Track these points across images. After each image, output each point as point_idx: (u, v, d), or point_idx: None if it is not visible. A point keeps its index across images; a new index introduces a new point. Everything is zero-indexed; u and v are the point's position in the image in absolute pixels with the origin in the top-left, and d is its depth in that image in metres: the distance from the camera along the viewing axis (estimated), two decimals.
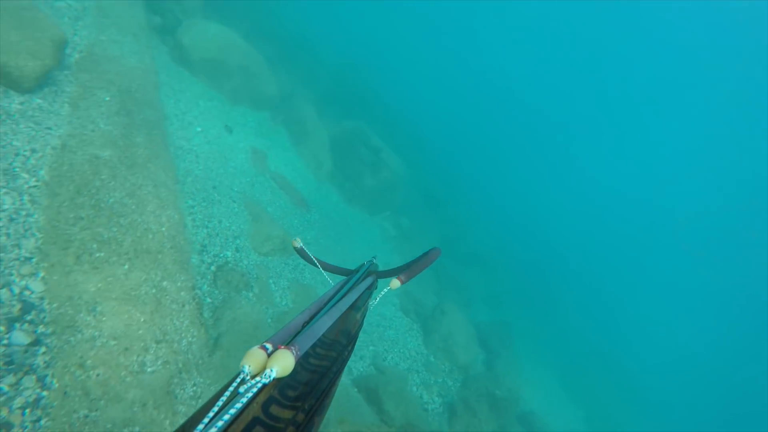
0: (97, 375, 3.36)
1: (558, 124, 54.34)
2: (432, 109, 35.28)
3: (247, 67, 14.24)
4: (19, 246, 4.04)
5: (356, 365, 9.69)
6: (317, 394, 1.05)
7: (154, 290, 4.26)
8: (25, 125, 5.33)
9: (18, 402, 3.06)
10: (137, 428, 3.19)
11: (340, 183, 16.38)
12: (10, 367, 3.19)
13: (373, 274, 2.33)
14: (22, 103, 5.57)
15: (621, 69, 49.55)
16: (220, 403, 0.81)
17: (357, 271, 2.29)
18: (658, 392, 24.26)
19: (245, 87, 14.25)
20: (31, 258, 4.01)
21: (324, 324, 1.23)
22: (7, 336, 3.35)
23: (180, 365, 3.86)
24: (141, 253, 4.48)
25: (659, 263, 45.11)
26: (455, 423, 9.90)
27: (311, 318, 1.32)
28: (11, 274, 3.76)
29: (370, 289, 2.14)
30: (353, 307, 1.71)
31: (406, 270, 2.16)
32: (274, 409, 0.88)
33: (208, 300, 7.53)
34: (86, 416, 3.11)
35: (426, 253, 2.40)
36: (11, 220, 4.21)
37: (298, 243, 2.68)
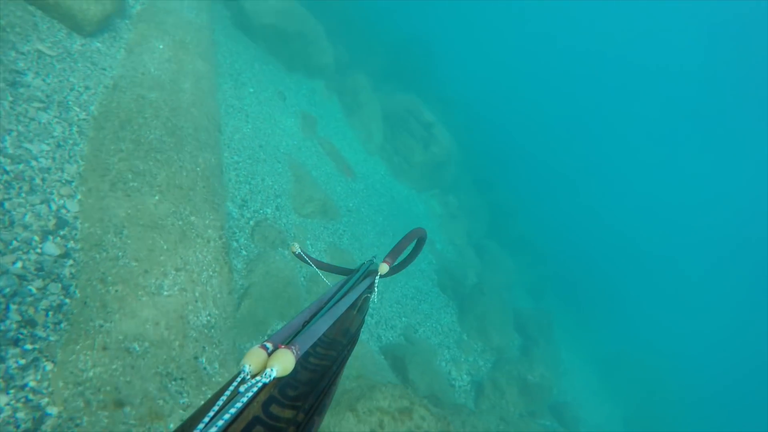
0: (116, 291, 3.52)
1: (622, 116, 51.48)
2: (490, 91, 34.24)
3: (305, 34, 14.33)
4: (62, 170, 4.29)
5: (386, 334, 9.71)
6: (317, 394, 1.06)
7: (180, 222, 4.40)
8: (83, 64, 5.64)
9: (43, 304, 3.26)
10: (146, 343, 3.32)
11: (389, 156, 16.30)
12: (40, 273, 3.41)
13: (373, 274, 2.26)
14: (82, 45, 5.89)
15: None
16: (220, 402, 0.81)
17: (357, 270, 2.27)
18: (711, 401, 22.64)
19: (301, 54, 14.37)
20: (72, 182, 4.25)
21: (324, 323, 1.24)
22: (40, 245, 3.57)
23: (197, 294, 3.98)
24: (173, 188, 4.64)
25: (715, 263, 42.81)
26: (481, 402, 9.74)
27: (311, 317, 1.33)
28: (51, 193, 4.00)
29: (370, 289, 2.12)
30: (353, 306, 1.72)
31: (390, 252, 2.10)
32: (275, 409, 0.89)
33: (244, 252, 7.77)
34: (101, 326, 3.26)
35: (408, 233, 2.35)
36: (58, 146, 4.48)
37: (297, 249, 2.63)
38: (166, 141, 5.12)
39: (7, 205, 3.63)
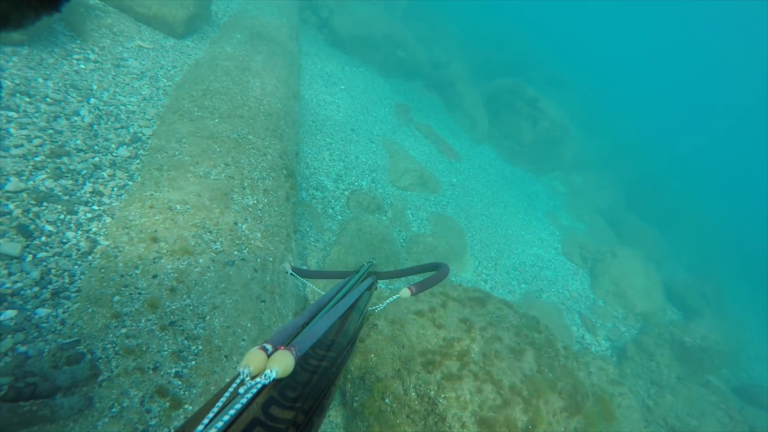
0: (169, 174, 4.00)
1: None
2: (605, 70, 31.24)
3: (394, 38, 15.02)
4: (144, 113, 5.12)
5: (506, 298, 9.07)
6: (317, 395, 1.06)
7: (236, 136, 4.85)
8: (173, 54, 6.77)
9: (111, 184, 3.88)
10: (188, 206, 3.68)
11: (497, 142, 15.74)
12: (113, 166, 4.06)
13: (373, 275, 2.36)
14: (174, 42, 7.09)
15: None
16: (219, 403, 0.82)
17: (356, 272, 2.34)
18: None
19: (393, 56, 15.00)
20: (151, 119, 5.05)
21: (323, 325, 1.26)
22: (116, 150, 4.27)
23: (245, 184, 4.30)
24: (233, 116, 5.17)
25: None
26: (625, 366, 8.36)
27: (311, 319, 1.35)
28: (132, 124, 4.80)
29: (370, 290, 2.17)
30: (353, 307, 1.73)
31: (418, 283, 2.09)
32: (274, 410, 0.89)
33: (339, 217, 8.13)
34: (152, 194, 3.75)
35: (434, 268, 2.42)
36: (144, 100, 5.39)
37: (288, 267, 2.77)
38: (231, 87, 5.77)
39: (95, 127, 4.46)
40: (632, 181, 18.34)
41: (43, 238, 3.15)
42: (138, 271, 3.05)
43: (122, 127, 4.68)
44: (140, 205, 3.66)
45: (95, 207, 3.63)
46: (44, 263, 3.00)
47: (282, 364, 0.91)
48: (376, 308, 2.21)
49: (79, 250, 3.19)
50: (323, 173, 8.72)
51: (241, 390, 0.85)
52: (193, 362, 2.74)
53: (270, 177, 4.75)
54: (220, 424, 0.72)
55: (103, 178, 3.93)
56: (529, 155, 15.53)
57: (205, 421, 0.74)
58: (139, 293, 2.92)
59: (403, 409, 3.46)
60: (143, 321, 2.77)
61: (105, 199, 3.73)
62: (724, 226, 19.98)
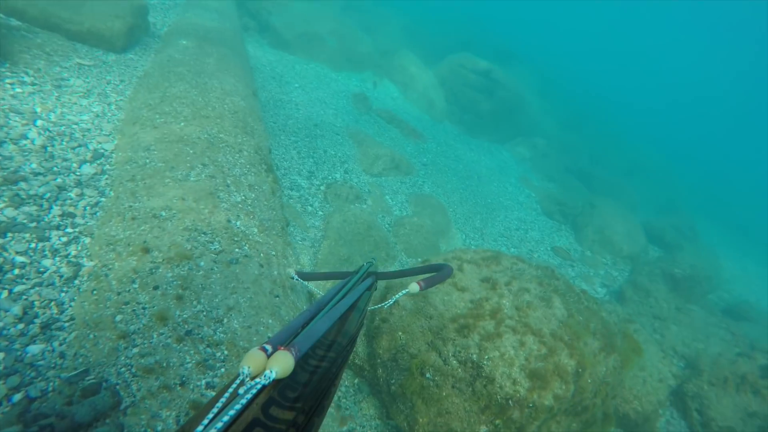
0: (144, 183, 3.64)
1: None
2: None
3: (339, 31, 14.75)
4: (101, 129, 4.69)
5: None
6: (317, 395, 1.04)
7: (206, 136, 4.50)
8: (118, 68, 6.29)
9: (81, 203, 3.49)
10: (174, 210, 3.34)
11: (458, 118, 15.72)
12: (78, 185, 3.66)
13: (373, 275, 2.37)
14: (117, 57, 6.59)
15: None
16: (219, 404, 0.81)
17: (356, 272, 2.34)
18: None
19: (341, 50, 14.72)
20: (109, 134, 4.63)
21: (323, 325, 1.24)
22: (78, 169, 3.86)
23: (228, 181, 3.97)
24: (199, 117, 4.81)
25: None
26: (625, 308, 8.43)
27: (311, 319, 1.34)
28: (90, 141, 4.38)
29: (370, 290, 2.16)
30: (353, 308, 1.72)
31: (425, 278, 2.12)
32: (274, 411, 0.87)
33: (320, 213, 7.84)
34: (131, 206, 3.38)
35: (437, 269, 2.42)
36: (97, 116, 4.95)
37: (293, 273, 2.70)
38: (190, 91, 5.39)
39: (49, 148, 4.02)
40: (592, 138, 18.75)
41: (16, 271, 2.76)
42: (136, 286, 2.70)
43: (80, 146, 4.24)
44: (120, 219, 3.29)
45: (69, 229, 3.23)
46: (24, 297, 2.62)
47: (282, 364, 0.90)
48: (385, 304, 2.24)
49: (61, 276, 2.81)
50: (295, 172, 8.40)
51: (241, 390, 0.84)
52: (222, 369, 2.44)
53: (251, 173, 4.43)
54: (219, 424, 0.71)
55: (71, 198, 3.52)
56: (490, 126, 15.59)
57: (205, 421, 0.73)
58: (143, 308, 2.58)
59: (447, 380, 3.26)
60: (155, 336, 2.44)
61: (78, 220, 3.33)
62: (683, 171, 20.83)
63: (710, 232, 16.49)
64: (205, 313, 2.66)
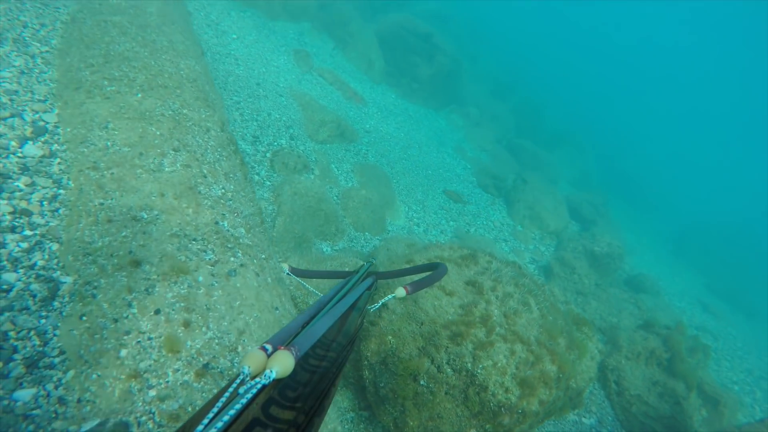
0: (111, 173, 3.16)
1: None
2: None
3: None
4: (32, 91, 3.95)
5: (438, 238, 9.28)
6: (317, 395, 1.02)
7: (170, 112, 3.99)
8: (31, 5, 5.25)
9: (35, 197, 2.96)
10: (155, 211, 2.95)
11: (396, 81, 15.46)
12: (25, 172, 3.09)
13: (373, 275, 2.32)
14: None
15: None
16: (219, 404, 0.81)
17: (356, 272, 2.32)
18: None
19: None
20: (45, 100, 3.91)
21: (323, 325, 1.24)
22: (20, 149, 3.24)
23: (204, 171, 3.59)
24: (156, 87, 4.22)
25: None
26: (553, 283, 9.20)
27: (311, 319, 1.33)
28: (23, 110, 3.67)
29: (369, 290, 2.12)
30: (353, 307, 1.69)
31: (413, 282, 2.15)
32: (274, 410, 0.86)
33: (268, 183, 7.45)
34: (101, 203, 2.92)
35: (431, 268, 2.45)
36: (22, 73, 4.14)
37: (286, 268, 2.78)
38: (139, 51, 4.69)
39: None
40: (517, 108, 19.52)
41: None
42: (135, 311, 2.39)
43: (12, 116, 3.54)
44: (92, 221, 2.84)
45: (27, 232, 2.74)
46: None
47: (282, 364, 0.91)
48: (372, 308, 2.23)
49: (35, 296, 2.40)
50: (238, 136, 7.86)
51: (241, 390, 0.84)
52: None
53: (223, 157, 4.04)
54: (220, 424, 0.71)
55: (21, 189, 2.96)
56: (427, 91, 15.57)
57: (205, 421, 0.73)
58: (149, 338, 2.30)
59: (441, 386, 3.36)
60: (170, 373, 2.19)
61: (37, 219, 2.83)
62: (598, 147, 22.60)
63: (616, 206, 18.28)
64: (217, 341, 2.43)
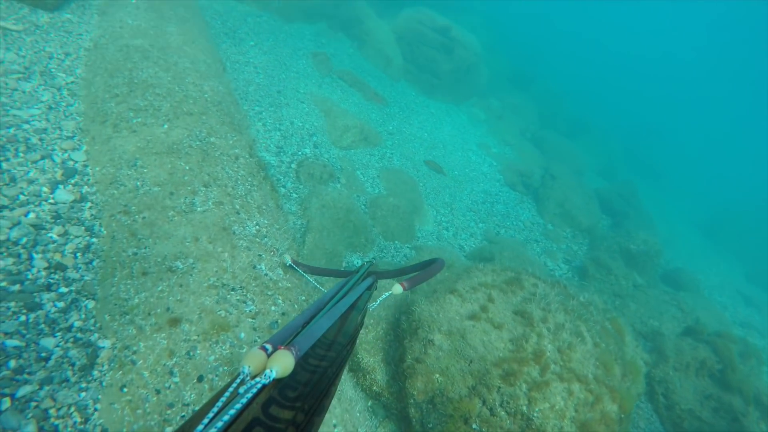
0: (143, 218, 3.03)
1: None
2: None
3: None
4: (60, 128, 3.85)
5: (468, 242, 9.05)
6: (317, 395, 1.01)
7: (198, 143, 3.84)
8: (56, 34, 5.16)
9: (69, 248, 2.84)
10: (190, 260, 2.80)
11: (415, 77, 15.13)
12: (58, 220, 2.98)
13: (373, 275, 2.31)
14: (50, 18, 5.41)
15: None
16: (219, 403, 0.80)
17: (356, 271, 2.32)
18: None
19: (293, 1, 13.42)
20: (73, 136, 3.80)
21: (323, 325, 1.24)
22: (51, 195, 3.14)
23: (237, 207, 3.44)
24: (182, 115, 4.08)
25: None
26: (588, 284, 8.87)
27: (311, 319, 1.33)
28: (53, 149, 3.57)
29: (370, 290, 2.12)
30: (353, 307, 1.68)
31: (409, 278, 2.12)
32: (274, 410, 0.86)
33: (294, 195, 7.31)
34: (135, 253, 2.79)
35: (429, 264, 2.41)
36: (50, 108, 4.05)
37: (288, 259, 2.70)
38: (162, 76, 4.55)
39: (4, 165, 3.22)
40: (539, 97, 18.98)
41: (12, 363, 2.20)
42: (177, 379, 2.24)
43: (42, 158, 3.44)
44: (126, 273, 2.72)
45: (62, 289, 2.63)
46: (34, 403, 2.09)
47: (282, 363, 0.91)
48: (371, 306, 2.17)
49: (74, 365, 2.29)
50: (262, 148, 7.72)
51: (242, 389, 0.84)
52: None
53: (254, 187, 3.89)
54: (220, 423, 0.71)
55: (55, 241, 2.85)
56: (447, 86, 15.20)
57: (205, 420, 0.73)
58: (193, 410, 2.16)
59: (496, 430, 3.17)
60: None
61: (72, 274, 2.71)
62: (621, 134, 21.91)
63: (645, 193, 17.69)
64: None
